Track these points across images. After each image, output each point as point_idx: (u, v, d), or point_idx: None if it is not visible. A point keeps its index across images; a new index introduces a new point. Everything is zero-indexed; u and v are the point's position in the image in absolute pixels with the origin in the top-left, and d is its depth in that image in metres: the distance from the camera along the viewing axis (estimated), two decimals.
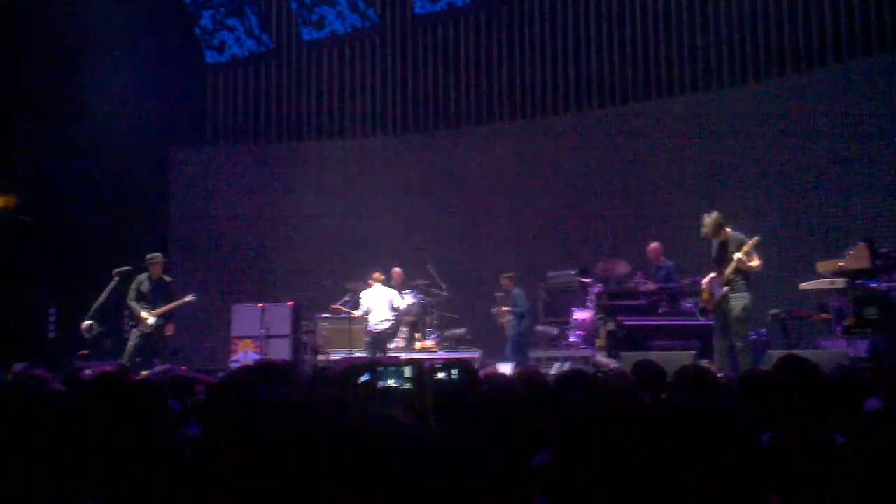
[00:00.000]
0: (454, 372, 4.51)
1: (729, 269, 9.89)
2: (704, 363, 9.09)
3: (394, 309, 13.28)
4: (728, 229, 10.12)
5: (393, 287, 13.67)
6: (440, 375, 4.80)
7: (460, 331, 14.11)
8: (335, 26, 17.06)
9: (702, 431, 2.58)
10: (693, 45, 14.43)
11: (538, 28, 15.88)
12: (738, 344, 9.76)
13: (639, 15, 14.97)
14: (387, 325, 13.19)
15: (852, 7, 12.92)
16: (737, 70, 14.09)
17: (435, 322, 14.07)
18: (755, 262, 9.86)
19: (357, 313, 13.25)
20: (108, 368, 7.37)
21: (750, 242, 9.85)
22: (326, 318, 13.60)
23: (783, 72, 13.64)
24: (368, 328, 13.15)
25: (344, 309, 13.47)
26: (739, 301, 9.86)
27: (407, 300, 13.65)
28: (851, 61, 12.97)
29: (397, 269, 13.80)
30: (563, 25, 15.66)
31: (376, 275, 13.45)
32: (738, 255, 9.78)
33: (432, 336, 13.77)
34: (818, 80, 13.16)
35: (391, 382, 2.41)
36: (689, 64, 14.49)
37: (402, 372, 2.38)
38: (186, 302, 12.32)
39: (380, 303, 13.24)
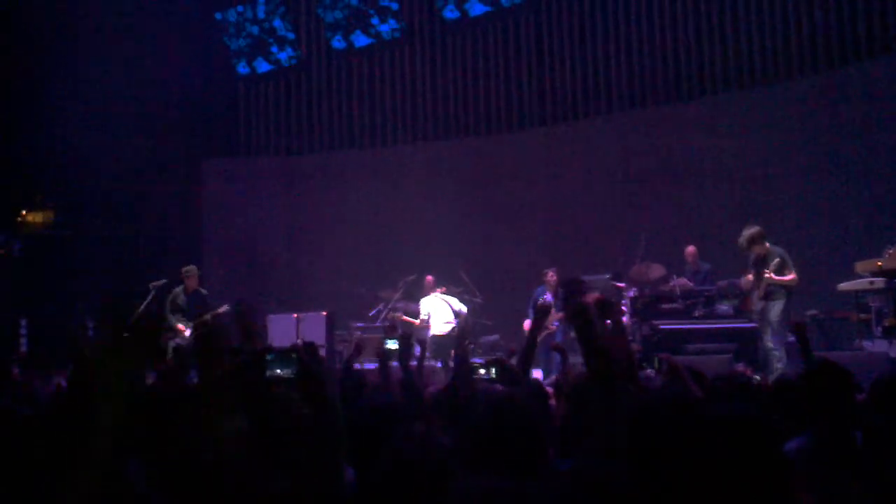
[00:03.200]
0: (493, 371, 4.46)
1: (761, 287, 9.79)
2: (740, 367, 9.00)
3: (455, 314, 13.05)
4: (767, 244, 9.97)
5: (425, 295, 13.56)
6: (481, 372, 4.75)
7: (493, 337, 14.03)
8: (364, 36, 17.11)
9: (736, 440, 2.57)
10: (724, 44, 14.29)
11: (566, 33, 15.81)
12: (773, 348, 9.62)
13: (668, 16, 14.84)
14: (448, 328, 12.91)
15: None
16: (770, 68, 13.92)
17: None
18: (788, 277, 9.74)
19: (418, 320, 13.02)
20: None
21: (773, 262, 9.73)
22: (361, 326, 13.59)
23: (818, 69, 13.44)
24: (431, 334, 12.82)
25: (404, 317, 13.34)
26: (776, 306, 9.74)
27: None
28: (884, 57, 12.76)
29: (430, 277, 13.73)
30: (592, 29, 15.57)
31: (430, 280, 13.30)
32: (767, 273, 9.71)
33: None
34: (856, 77, 12.96)
35: (278, 371, 2.39)
36: (720, 64, 14.34)
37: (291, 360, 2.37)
38: (220, 314, 12.36)
39: (441, 308, 13.02)
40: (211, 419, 2.36)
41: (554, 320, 12.06)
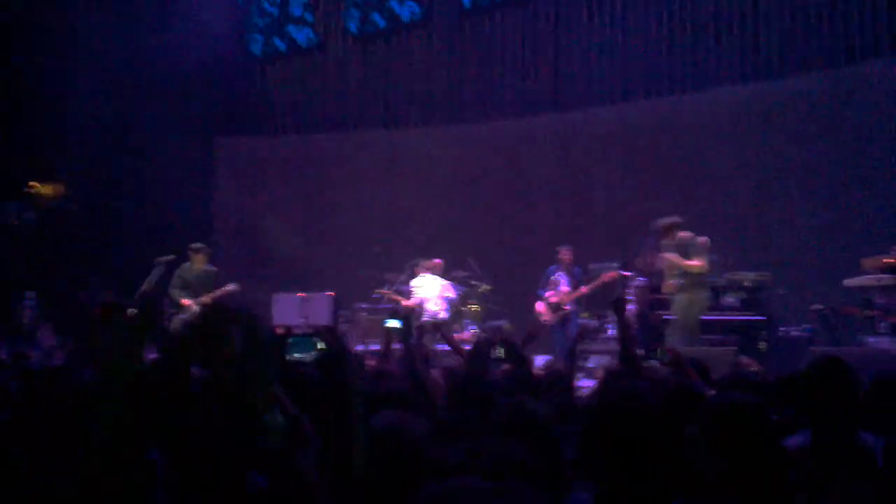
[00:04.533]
0: (500, 350, 4.49)
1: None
2: (744, 359, 9.01)
3: (448, 298, 12.95)
4: (681, 233, 10.27)
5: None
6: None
7: (500, 322, 14.05)
8: (381, 19, 17.08)
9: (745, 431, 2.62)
10: (743, 34, 14.22)
11: (585, 20, 15.75)
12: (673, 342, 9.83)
13: (688, 2, 14.74)
14: (445, 314, 12.81)
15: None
16: (785, 60, 13.85)
17: (476, 313, 13.97)
18: (693, 262, 10.08)
19: (410, 302, 12.87)
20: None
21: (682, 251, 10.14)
22: (365, 308, 13.63)
23: (825, 66, 13.37)
24: (426, 317, 12.57)
25: (393, 297, 13.31)
26: (679, 298, 10.17)
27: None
28: (883, 57, 12.71)
29: (438, 261, 13.73)
30: (611, 16, 15.51)
31: (435, 262, 13.14)
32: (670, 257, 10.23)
33: (471, 328, 13.72)
34: (862, 75, 12.88)
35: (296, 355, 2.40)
36: (738, 54, 14.28)
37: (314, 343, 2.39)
38: (228, 292, 12.32)
39: (436, 291, 12.88)
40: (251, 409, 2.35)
41: (568, 302, 11.94)
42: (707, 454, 2.66)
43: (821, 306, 11.17)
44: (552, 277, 12.25)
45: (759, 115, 13.75)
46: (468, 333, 13.53)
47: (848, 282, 10.41)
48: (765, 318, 10.95)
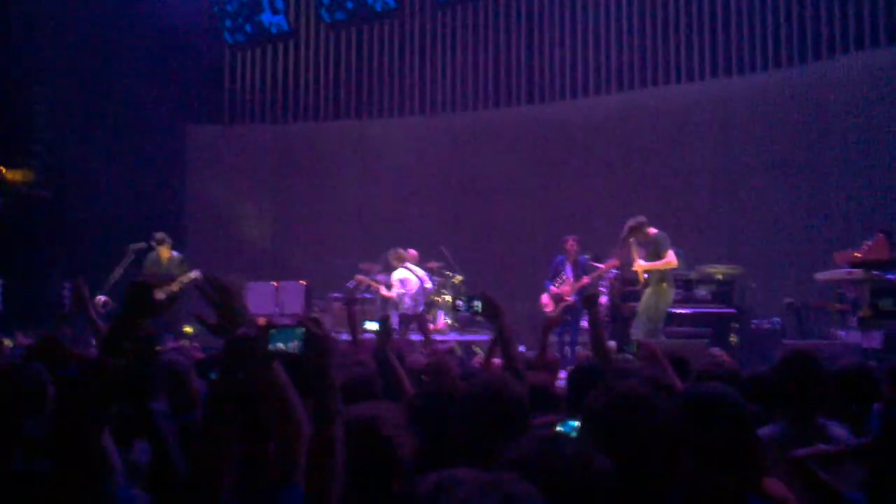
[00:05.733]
0: (476, 304, 4.45)
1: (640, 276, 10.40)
2: (716, 350, 9.07)
3: (425, 289, 12.80)
4: (649, 230, 10.34)
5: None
6: (458, 303, 4.76)
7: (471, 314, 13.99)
8: (354, 8, 16.98)
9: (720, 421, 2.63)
10: (712, 31, 14.27)
11: (557, 13, 15.74)
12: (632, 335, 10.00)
13: None
14: (422, 307, 12.63)
15: None
16: (750, 57, 13.91)
17: (449, 303, 13.92)
18: (661, 262, 10.19)
19: (392, 293, 12.66)
20: None
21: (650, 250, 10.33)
22: (339, 297, 13.58)
23: (794, 61, 13.45)
24: (404, 309, 12.44)
25: (374, 284, 13.19)
26: (646, 295, 10.28)
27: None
28: (860, 52, 12.79)
29: (412, 251, 13.68)
30: (584, 9, 15.50)
31: (410, 252, 12.98)
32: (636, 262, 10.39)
33: (445, 318, 13.70)
34: (831, 70, 12.97)
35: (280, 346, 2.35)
36: (709, 50, 14.33)
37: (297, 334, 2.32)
38: (191, 278, 12.30)
39: (416, 283, 12.68)
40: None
41: (571, 293, 11.78)
42: (683, 445, 2.66)
43: (792, 300, 11.27)
44: (559, 268, 12.07)
45: (730, 109, 13.85)
46: (441, 323, 13.53)
47: (819, 276, 10.50)
48: (736, 310, 11.03)
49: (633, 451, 2.37)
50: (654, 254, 10.19)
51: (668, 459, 2.42)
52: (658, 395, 2.65)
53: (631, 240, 10.38)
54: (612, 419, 2.46)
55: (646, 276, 10.30)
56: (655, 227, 10.35)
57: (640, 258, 10.30)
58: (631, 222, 10.38)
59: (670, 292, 10.33)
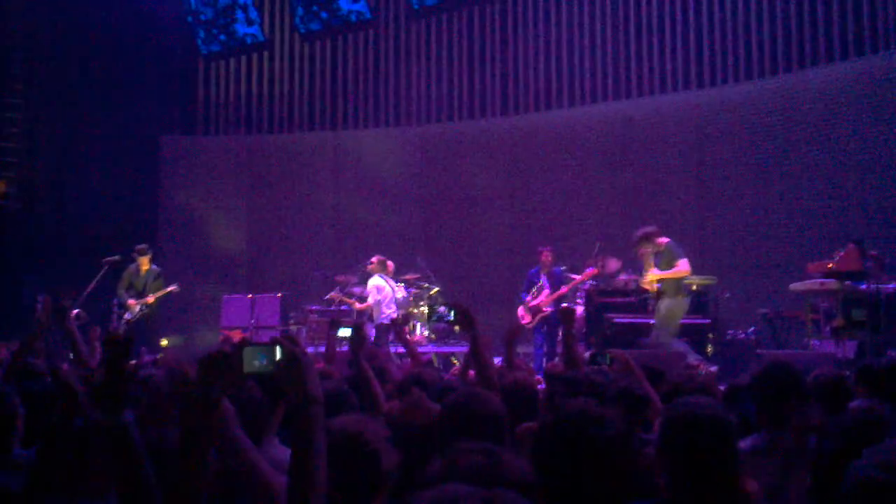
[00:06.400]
0: (449, 313, 4.45)
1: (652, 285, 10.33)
2: (692, 360, 9.14)
3: (399, 299, 12.69)
4: (659, 239, 10.29)
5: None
6: (441, 310, 4.75)
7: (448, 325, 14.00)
8: (329, 18, 16.98)
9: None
10: (687, 42, 14.37)
11: (532, 22, 15.80)
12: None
13: (644, 5, 14.81)
14: (395, 314, 12.26)
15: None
16: (723, 68, 14.02)
17: (425, 315, 13.90)
18: (674, 271, 10.10)
19: (369, 301, 12.52)
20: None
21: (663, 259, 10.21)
22: (315, 310, 13.54)
23: (776, 70, 13.57)
24: (381, 319, 12.29)
25: (346, 300, 13.14)
26: (663, 303, 10.16)
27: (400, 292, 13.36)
28: (831, 65, 12.94)
29: (390, 263, 13.66)
30: (557, 18, 15.56)
31: (389, 264, 12.79)
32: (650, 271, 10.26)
33: (422, 329, 13.68)
34: (804, 80, 13.09)
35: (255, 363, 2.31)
36: (687, 61, 14.44)
37: (272, 352, 2.29)
38: (170, 291, 12.40)
39: (390, 293, 12.57)
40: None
41: (548, 304, 11.77)
42: (666, 464, 2.70)
43: (766, 310, 11.36)
44: (534, 280, 12.10)
45: (704, 120, 13.91)
46: (419, 336, 13.49)
47: (793, 286, 10.59)
48: (711, 321, 11.09)
49: (577, 468, 2.41)
50: (667, 263, 10.10)
51: (615, 475, 2.45)
52: (610, 411, 2.68)
53: (642, 249, 10.32)
54: (558, 436, 2.51)
55: (657, 285, 10.23)
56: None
57: (654, 267, 10.19)
58: (641, 231, 10.32)
59: (686, 301, 10.31)
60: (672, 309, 10.06)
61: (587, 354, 11.27)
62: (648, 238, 10.24)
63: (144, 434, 3.39)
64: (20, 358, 5.17)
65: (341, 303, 13.21)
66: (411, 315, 13.48)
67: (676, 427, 2.73)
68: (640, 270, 12.24)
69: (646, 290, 10.85)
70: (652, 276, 10.20)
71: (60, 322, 5.39)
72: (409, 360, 7.07)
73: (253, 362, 2.26)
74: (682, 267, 10.06)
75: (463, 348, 12.68)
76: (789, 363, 4.10)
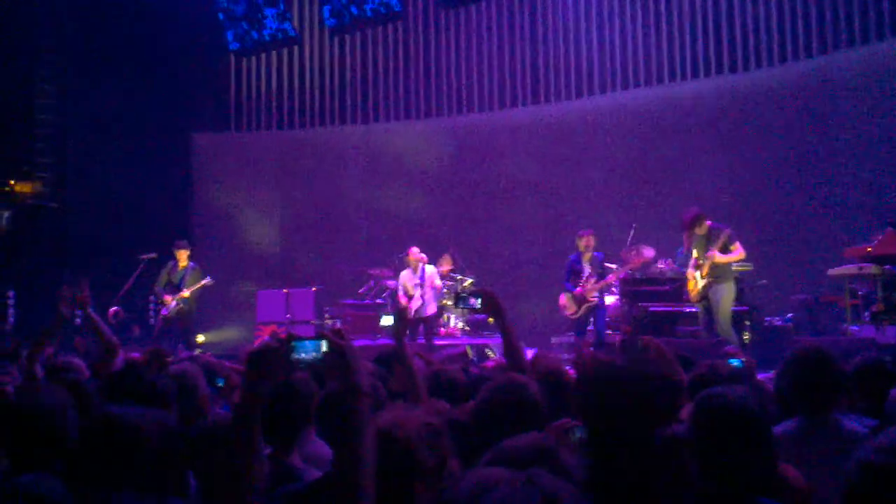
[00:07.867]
0: (476, 300, 4.42)
1: (705, 268, 9.95)
2: (729, 348, 9.02)
3: (435, 292, 12.43)
4: (708, 222, 10.07)
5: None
6: (471, 301, 4.68)
7: (482, 316, 13.96)
8: (358, 12, 16.97)
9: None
10: (717, 30, 14.22)
11: (561, 12, 15.70)
12: (724, 332, 9.72)
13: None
14: (434, 308, 12.40)
15: None
16: (757, 51, 13.86)
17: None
18: (734, 256, 9.92)
19: (407, 297, 12.24)
20: (135, 355, 7.23)
21: (719, 241, 9.85)
22: (350, 303, 13.58)
23: (800, 55, 13.40)
24: (413, 313, 11.98)
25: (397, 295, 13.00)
26: (721, 289, 9.88)
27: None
28: (867, 45, 12.73)
29: (423, 255, 13.59)
30: (587, 8, 15.46)
31: (423, 257, 12.46)
32: (712, 252, 9.87)
33: (456, 321, 13.66)
34: (840, 63, 12.91)
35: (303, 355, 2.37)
36: (714, 49, 14.28)
37: (319, 346, 2.34)
38: (204, 285, 12.44)
39: (425, 285, 12.28)
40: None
41: (594, 292, 11.20)
42: (700, 453, 2.67)
43: (804, 296, 11.21)
44: (576, 267, 11.39)
45: (741, 105, 13.76)
46: (453, 328, 13.47)
47: (832, 271, 10.43)
48: (747, 308, 10.96)
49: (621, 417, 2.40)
50: (723, 247, 9.86)
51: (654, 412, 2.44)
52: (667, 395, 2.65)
53: (698, 231, 10.07)
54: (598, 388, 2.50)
55: (711, 273, 9.94)
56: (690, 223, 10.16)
57: (715, 251, 9.85)
58: (691, 213, 10.12)
59: (735, 287, 10.12)
60: (727, 296, 9.88)
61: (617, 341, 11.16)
62: (699, 220, 10.05)
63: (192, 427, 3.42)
64: (38, 349, 5.19)
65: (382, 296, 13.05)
66: (445, 308, 13.46)
67: (708, 415, 2.71)
68: (674, 257, 12.16)
69: (682, 278, 10.68)
70: (719, 259, 9.85)
71: (83, 310, 5.47)
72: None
73: (301, 356, 2.33)
74: (739, 251, 9.89)
75: (497, 340, 12.62)
76: (820, 348, 4.02)
